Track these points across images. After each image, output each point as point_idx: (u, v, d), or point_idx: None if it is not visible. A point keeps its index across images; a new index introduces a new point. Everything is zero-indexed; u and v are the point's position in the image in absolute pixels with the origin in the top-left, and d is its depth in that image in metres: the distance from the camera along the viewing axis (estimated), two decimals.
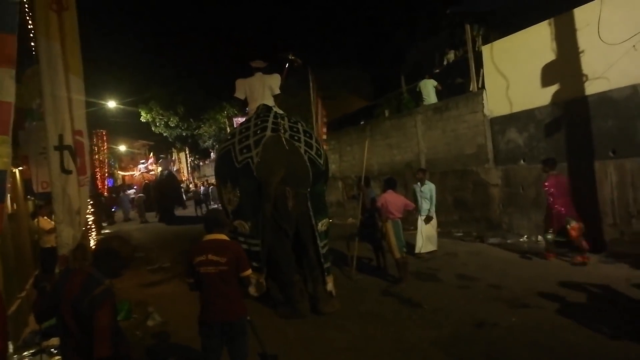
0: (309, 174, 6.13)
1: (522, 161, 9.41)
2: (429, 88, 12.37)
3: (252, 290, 5.73)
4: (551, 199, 7.33)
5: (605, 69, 7.52)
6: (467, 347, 4.55)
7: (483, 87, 10.24)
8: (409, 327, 5.27)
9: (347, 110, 18.38)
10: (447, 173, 11.15)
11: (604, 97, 7.63)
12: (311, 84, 10.50)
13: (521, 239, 9.24)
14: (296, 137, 6.39)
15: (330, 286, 6.17)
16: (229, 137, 6.81)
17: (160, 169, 32.45)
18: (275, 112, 6.90)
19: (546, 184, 7.45)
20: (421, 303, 6.04)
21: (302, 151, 6.25)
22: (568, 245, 7.39)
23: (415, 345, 4.72)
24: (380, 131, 13.82)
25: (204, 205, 22.93)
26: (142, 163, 44.27)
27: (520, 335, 4.69)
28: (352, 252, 7.91)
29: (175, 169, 42.44)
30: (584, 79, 7.87)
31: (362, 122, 15.69)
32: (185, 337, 5.30)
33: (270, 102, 7.61)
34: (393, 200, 7.20)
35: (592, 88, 7.81)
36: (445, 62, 14.63)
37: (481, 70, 10.33)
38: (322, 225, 6.28)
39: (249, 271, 3.63)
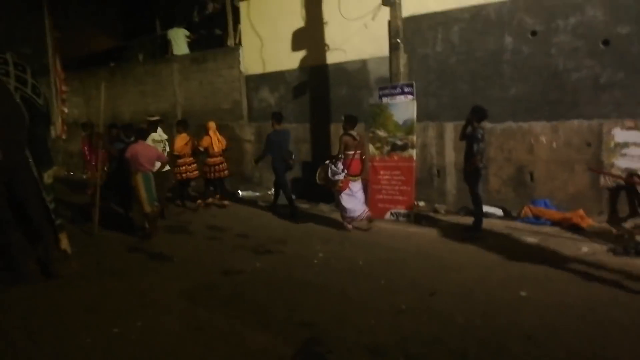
0: (22, 116, 5.06)
1: None
2: (180, 37, 11.89)
3: None
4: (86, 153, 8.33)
5: (342, 42, 8.56)
6: (212, 294, 4.74)
7: (241, 43, 10.43)
8: (156, 281, 5.16)
9: (94, 49, 16.25)
10: (204, 127, 11.08)
11: (340, 68, 8.72)
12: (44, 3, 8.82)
13: (269, 192, 10.00)
14: (2, 71, 5.09)
15: (64, 244, 5.51)
16: None
17: None
18: None
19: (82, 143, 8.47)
20: (170, 256, 5.99)
21: (12, 88, 5.06)
22: None
23: (160, 297, 4.67)
24: (133, 76, 12.76)
25: None
26: None
27: (261, 278, 5.13)
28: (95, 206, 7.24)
29: None
30: (326, 48, 8.81)
31: (112, 64, 14.17)
32: None
33: None
34: (144, 152, 6.81)
35: (332, 58, 8.81)
36: (206, 12, 14.24)
37: (239, 26, 10.46)
38: (47, 177, 5.38)
39: None
